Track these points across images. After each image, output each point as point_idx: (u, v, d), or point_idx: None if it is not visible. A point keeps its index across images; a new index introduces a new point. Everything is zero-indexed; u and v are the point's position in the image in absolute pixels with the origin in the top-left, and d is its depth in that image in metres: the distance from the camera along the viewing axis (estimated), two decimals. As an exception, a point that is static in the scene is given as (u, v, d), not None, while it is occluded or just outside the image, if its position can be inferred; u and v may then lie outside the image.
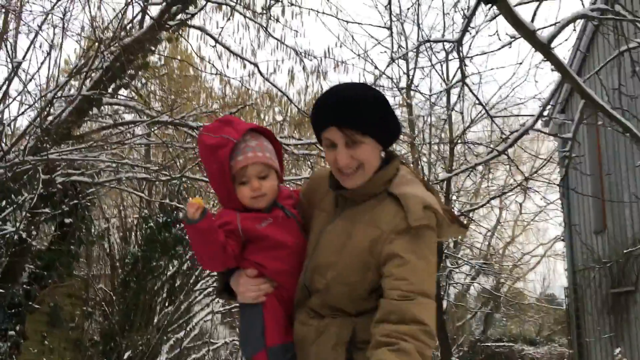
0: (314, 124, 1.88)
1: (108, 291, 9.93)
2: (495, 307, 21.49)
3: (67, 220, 6.81)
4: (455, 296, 19.02)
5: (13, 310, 6.33)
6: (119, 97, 5.48)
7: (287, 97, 6.23)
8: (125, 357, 9.12)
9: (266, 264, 1.89)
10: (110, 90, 5.21)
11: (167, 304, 11.23)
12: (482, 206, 11.91)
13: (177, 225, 9.66)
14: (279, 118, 7.32)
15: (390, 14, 5.66)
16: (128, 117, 6.37)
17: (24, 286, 6.53)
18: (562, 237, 21.78)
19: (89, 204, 6.95)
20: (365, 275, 1.77)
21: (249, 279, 1.90)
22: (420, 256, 1.73)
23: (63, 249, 6.77)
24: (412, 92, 12.28)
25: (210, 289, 12.70)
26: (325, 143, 1.84)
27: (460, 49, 3.82)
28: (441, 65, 10.23)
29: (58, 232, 6.94)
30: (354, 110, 1.77)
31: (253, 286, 1.89)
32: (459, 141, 11.78)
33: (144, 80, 7.64)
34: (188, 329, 12.45)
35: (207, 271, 12.04)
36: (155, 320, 10.76)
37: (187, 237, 10.05)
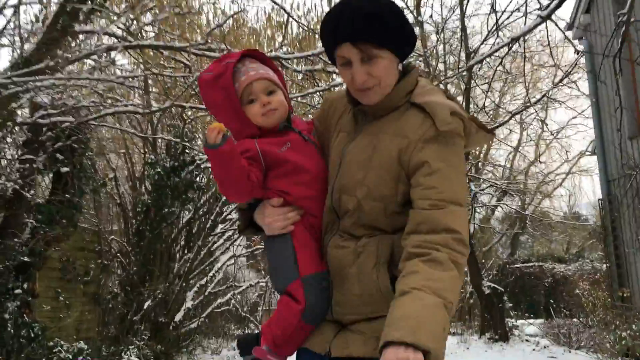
0: (325, 43, 1.77)
1: (122, 242, 9.60)
2: (521, 228, 21.11)
3: (63, 170, 6.34)
4: (480, 220, 18.59)
5: (14, 264, 5.96)
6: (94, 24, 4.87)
7: (285, 10, 5.52)
8: (145, 306, 8.85)
9: (290, 190, 1.81)
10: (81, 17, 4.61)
11: (186, 251, 10.94)
12: (505, 122, 11.22)
13: (186, 169, 9.20)
14: (280, 40, 6.68)
15: None
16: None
17: (27, 242, 6.14)
18: (588, 151, 21.09)
19: (84, 148, 6.45)
20: (397, 187, 1.69)
21: (274, 208, 1.80)
22: (449, 164, 1.65)
23: (63, 200, 6.33)
24: (422, 9, 11.50)
25: (230, 233, 12.39)
26: (339, 62, 1.74)
27: None
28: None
29: (56, 183, 6.49)
30: (369, 23, 1.66)
31: (279, 216, 1.80)
32: (474, 56, 11.03)
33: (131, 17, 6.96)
34: (211, 274, 12.24)
35: (224, 215, 11.67)
36: (176, 268, 10.50)
37: (197, 181, 9.59)
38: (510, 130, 20.07)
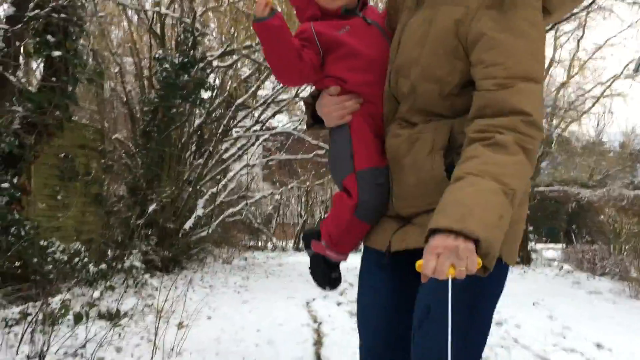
0: None
1: (127, 142, 8.98)
2: (545, 152, 20.21)
3: (55, 54, 5.61)
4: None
5: (1, 155, 5.36)
6: None
7: None
8: (150, 210, 8.34)
9: (345, 77, 1.67)
10: None
11: (196, 157, 10.35)
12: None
13: (197, 66, 8.41)
14: None
15: None
16: None
17: (16, 133, 5.52)
18: (627, 70, 19.77)
19: (79, 30, 5.67)
20: (454, 65, 1.47)
21: (331, 97, 1.69)
22: (516, 33, 1.39)
23: (55, 87, 5.63)
24: None
25: (244, 141, 11.74)
26: None
27: None
28: None
29: (48, 70, 5.76)
30: None
31: (337, 105, 1.68)
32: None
33: None
34: (223, 183, 11.72)
35: (237, 120, 10.96)
36: (186, 175, 9.94)
37: (208, 80, 8.84)
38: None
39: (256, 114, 11.55)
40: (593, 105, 21.18)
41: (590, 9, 15.47)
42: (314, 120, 1.79)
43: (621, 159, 21.50)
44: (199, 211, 10.51)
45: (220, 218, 11.09)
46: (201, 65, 8.28)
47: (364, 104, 1.67)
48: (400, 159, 1.57)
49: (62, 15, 5.46)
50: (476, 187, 1.30)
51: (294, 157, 12.93)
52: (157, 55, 8.51)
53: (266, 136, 12.58)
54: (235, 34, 7.65)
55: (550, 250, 14.85)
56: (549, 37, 18.17)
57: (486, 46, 1.40)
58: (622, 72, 20.04)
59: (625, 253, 10.49)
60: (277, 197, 16.64)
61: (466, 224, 1.24)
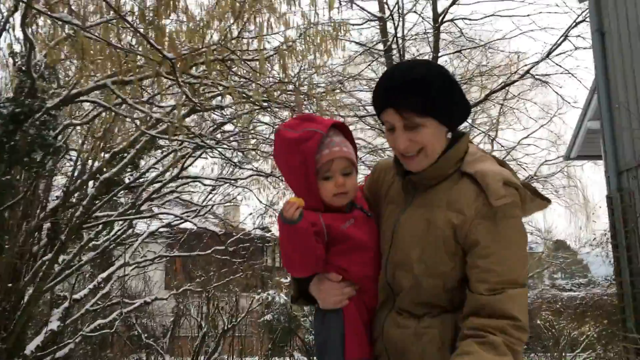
0: (374, 105, 1.69)
1: None
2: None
3: None
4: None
5: None
6: None
7: None
8: None
9: (349, 268, 1.72)
10: None
11: (47, 250, 7.41)
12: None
13: (34, 118, 5.77)
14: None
15: None
16: None
17: None
18: (536, 175, 18.75)
19: None
20: (455, 262, 1.60)
21: (332, 283, 1.73)
22: (506, 243, 1.54)
23: None
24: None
25: (120, 232, 8.92)
26: (385, 126, 1.66)
27: None
28: None
29: None
30: (411, 91, 1.57)
31: (336, 290, 1.72)
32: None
33: None
34: (91, 286, 8.76)
35: (101, 202, 8.17)
36: (29, 275, 6.97)
37: (51, 140, 6.18)
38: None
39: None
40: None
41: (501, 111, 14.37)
42: (299, 295, 1.79)
43: (539, 259, 20.07)
44: (54, 324, 7.49)
45: (79, 334, 7.98)
46: (37, 116, 5.66)
47: (359, 293, 1.71)
48: (405, 351, 1.61)
49: None
50: None
51: (187, 255, 10.16)
52: (-21, 104, 5.81)
53: (157, 228, 9.85)
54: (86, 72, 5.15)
55: None
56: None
57: (481, 254, 1.52)
58: (535, 173, 19.01)
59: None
60: (178, 306, 13.50)
61: None
